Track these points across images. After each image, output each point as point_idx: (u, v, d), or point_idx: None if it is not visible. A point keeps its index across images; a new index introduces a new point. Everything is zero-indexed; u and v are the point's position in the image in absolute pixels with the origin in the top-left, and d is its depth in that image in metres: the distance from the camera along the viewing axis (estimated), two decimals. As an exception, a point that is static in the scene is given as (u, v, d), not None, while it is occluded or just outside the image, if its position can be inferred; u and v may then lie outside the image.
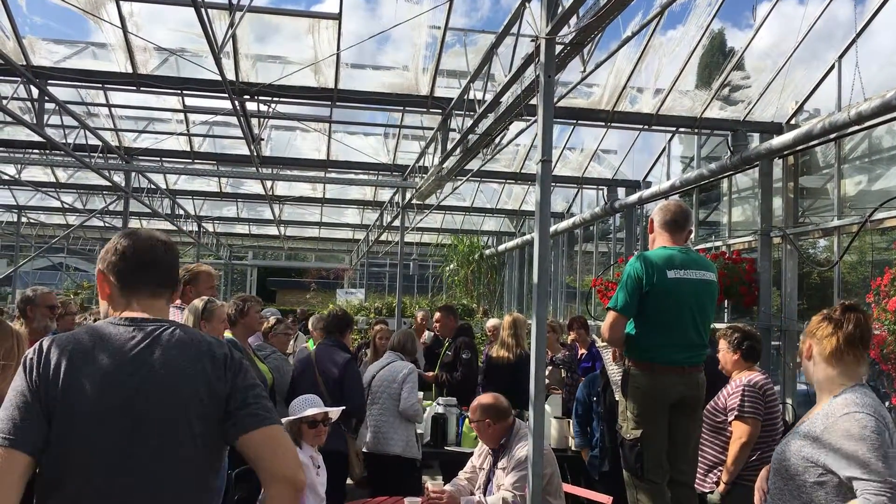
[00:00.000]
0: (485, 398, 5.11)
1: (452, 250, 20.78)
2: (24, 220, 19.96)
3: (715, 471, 5.04)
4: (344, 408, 5.22)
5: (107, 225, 19.90)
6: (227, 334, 5.43)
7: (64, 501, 2.00)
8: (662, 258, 4.52)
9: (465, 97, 7.75)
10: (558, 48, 4.94)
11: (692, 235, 9.88)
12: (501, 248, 19.74)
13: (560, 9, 4.67)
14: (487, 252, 20.35)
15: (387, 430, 6.25)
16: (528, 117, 7.12)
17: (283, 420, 4.58)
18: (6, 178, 14.06)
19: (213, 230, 22.79)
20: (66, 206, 17.66)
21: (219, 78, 7.10)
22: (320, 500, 4.75)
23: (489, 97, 6.79)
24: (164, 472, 2.04)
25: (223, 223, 22.20)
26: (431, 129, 10.25)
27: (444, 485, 5.07)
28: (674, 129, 10.22)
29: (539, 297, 4.60)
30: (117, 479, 2.01)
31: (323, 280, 30.13)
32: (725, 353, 5.13)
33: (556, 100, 7.19)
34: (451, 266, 20.85)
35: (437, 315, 8.69)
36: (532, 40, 5.12)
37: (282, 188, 16.24)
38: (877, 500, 2.44)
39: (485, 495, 4.88)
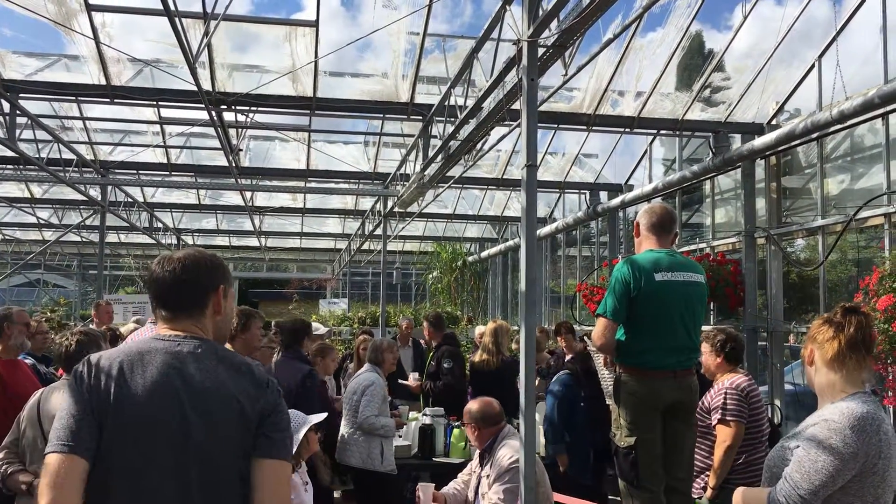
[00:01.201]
0: (473, 404, 5.07)
1: (435, 258, 20.70)
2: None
3: (702, 475, 4.99)
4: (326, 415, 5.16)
5: (84, 240, 19.64)
6: (227, 348, 5.27)
7: None
8: (649, 261, 4.46)
9: (446, 103, 7.67)
10: (540, 51, 4.87)
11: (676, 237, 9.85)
12: (484, 254, 19.68)
13: (541, 11, 4.61)
14: (470, 259, 20.28)
15: (347, 440, 6.17)
16: (510, 122, 7.05)
17: (304, 429, 4.49)
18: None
19: (193, 243, 22.56)
20: (42, 221, 17.39)
21: (195, 88, 6.97)
22: (308, 518, 4.64)
23: (470, 103, 6.71)
24: (210, 479, 2.14)
25: (203, 235, 21.97)
26: (412, 136, 10.17)
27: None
28: (655, 131, 10.19)
29: (528, 305, 4.52)
30: (167, 486, 2.11)
31: (306, 290, 29.90)
32: (708, 356, 5.07)
33: (539, 103, 7.14)
34: (435, 274, 20.76)
35: (424, 325, 8.64)
36: (513, 44, 5.06)
37: (262, 199, 16.07)
38: (778, 499, 2.54)
39: (475, 501, 4.80)
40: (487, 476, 4.81)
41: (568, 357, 7.82)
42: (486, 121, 6.57)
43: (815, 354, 2.77)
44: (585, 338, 7.16)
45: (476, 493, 4.92)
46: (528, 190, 4.55)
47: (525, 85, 4.59)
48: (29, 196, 15.22)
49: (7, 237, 20.63)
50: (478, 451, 5.07)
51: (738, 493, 2.86)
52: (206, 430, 2.14)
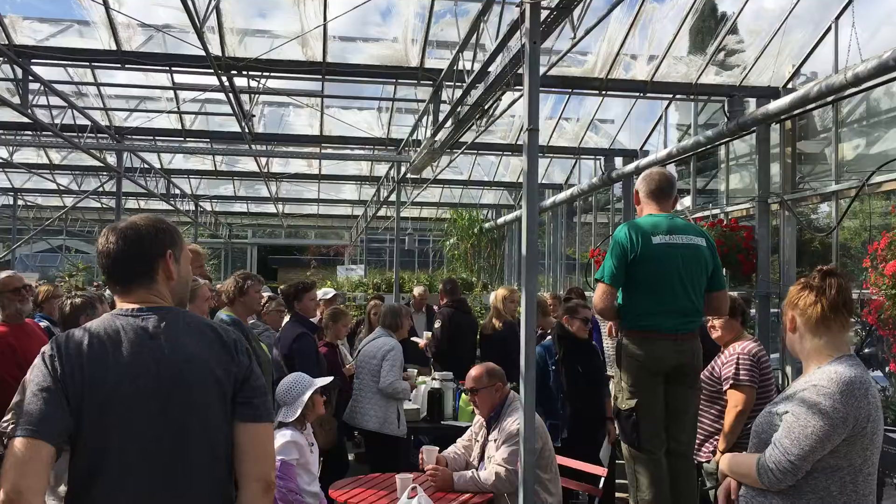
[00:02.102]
0: (474, 370, 5.09)
1: (452, 224, 20.67)
2: (20, 202, 19.85)
3: (711, 440, 5.01)
4: (333, 378, 5.25)
5: (104, 206, 19.82)
6: (226, 312, 5.38)
7: (102, 489, 2.10)
8: (648, 225, 4.46)
9: (455, 68, 7.61)
10: (544, 13, 4.81)
11: (690, 204, 9.78)
12: (501, 221, 19.63)
13: (544, -28, 4.55)
14: (487, 225, 20.24)
15: (363, 404, 6.25)
16: (519, 87, 6.98)
17: (309, 391, 4.64)
18: (-1, 160, 13.97)
19: (212, 209, 22.68)
20: (62, 187, 17.55)
21: (204, 53, 6.98)
22: (313, 478, 4.73)
23: (478, 67, 6.66)
24: (193, 449, 2.16)
25: (221, 202, 22.07)
26: (425, 101, 10.12)
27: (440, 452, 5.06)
28: (669, 96, 10.06)
29: (528, 269, 4.52)
30: (148, 459, 2.12)
31: (323, 257, 30.09)
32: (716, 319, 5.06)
33: (547, 68, 7.08)
34: (452, 241, 20.75)
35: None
36: (517, 6, 5.00)
37: (277, 165, 16.11)
38: (767, 465, 2.54)
39: (479, 466, 4.85)
40: (495, 440, 4.86)
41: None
42: (493, 85, 6.52)
43: (797, 321, 2.75)
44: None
45: (482, 456, 4.98)
46: (529, 154, 4.52)
47: (527, 48, 4.54)
48: (48, 162, 15.36)
49: (29, 203, 20.86)
50: (481, 417, 5.11)
51: (725, 459, 2.88)
52: (181, 402, 2.15)
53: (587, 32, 5.91)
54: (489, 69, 6.46)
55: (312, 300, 6.41)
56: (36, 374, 2.11)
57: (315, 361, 5.80)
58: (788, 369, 8.29)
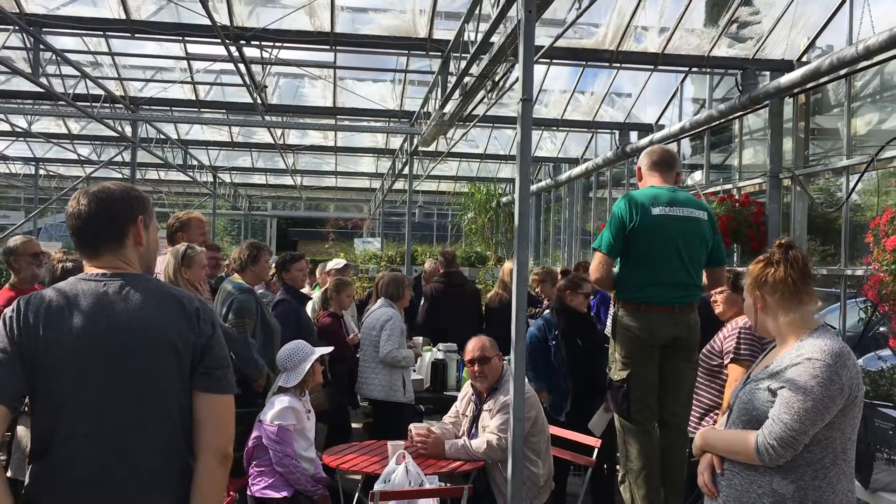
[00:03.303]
0: (474, 341, 5.08)
1: (470, 198, 20.66)
2: (41, 172, 20.08)
3: (711, 415, 4.99)
4: (333, 348, 5.35)
5: (124, 176, 20.00)
6: (237, 279, 5.48)
7: (57, 451, 2.14)
8: (647, 196, 4.45)
9: (461, 39, 7.56)
10: (541, -18, 4.75)
11: (703, 179, 9.68)
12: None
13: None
14: (504, 199, 20.19)
15: (367, 374, 6.32)
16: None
17: (311, 360, 4.75)
18: (18, 129, 14.10)
19: (231, 181, 22.79)
20: (82, 157, 17.72)
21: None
22: (309, 444, 4.81)
23: (480, 38, 6.61)
24: (147, 416, 2.17)
25: (240, 173, 22.17)
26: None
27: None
28: (681, 68, 9.94)
29: (520, 239, 4.51)
30: (102, 425, 2.14)
31: (342, 230, 30.21)
32: (719, 293, 5.02)
33: (553, 39, 7.01)
34: (470, 215, 20.74)
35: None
36: (515, -26, 4.95)
37: (294, 137, 16.14)
38: (768, 442, 2.51)
39: (469, 440, 4.88)
40: (489, 410, 4.89)
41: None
42: (497, 56, 6.47)
43: (766, 299, 2.73)
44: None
45: (471, 429, 5.01)
46: (523, 124, 4.48)
47: (522, 16, 4.50)
48: (67, 132, 15.51)
49: (51, 173, 21.08)
50: (468, 393, 5.13)
51: (704, 436, 2.84)
52: (135, 368, 2.16)
53: (592, 2, 5.85)
54: (491, 40, 6.40)
55: (300, 270, 6.51)
56: None
57: (296, 326, 5.86)
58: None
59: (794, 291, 2.66)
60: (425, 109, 10.65)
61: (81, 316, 2.16)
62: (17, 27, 8.13)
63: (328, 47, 9.19)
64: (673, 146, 11.18)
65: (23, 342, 2.12)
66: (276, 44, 9.06)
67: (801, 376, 2.51)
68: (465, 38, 7.26)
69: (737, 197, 9.14)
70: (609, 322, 4.99)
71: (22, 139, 16.78)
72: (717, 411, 4.87)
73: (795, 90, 8.18)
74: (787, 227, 8.61)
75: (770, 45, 8.83)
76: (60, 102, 10.41)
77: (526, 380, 4.61)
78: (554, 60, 9.96)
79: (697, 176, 11.17)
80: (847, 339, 6.43)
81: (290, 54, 9.90)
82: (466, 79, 7.55)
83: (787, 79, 7.90)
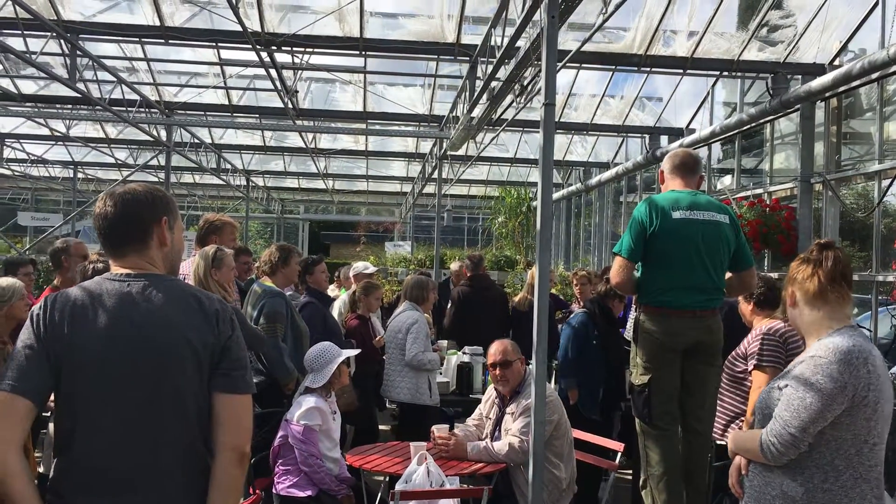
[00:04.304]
0: (497, 345, 5.10)
1: (500, 202, 20.65)
2: (80, 175, 20.47)
3: (737, 422, 4.95)
4: (360, 350, 5.48)
5: (159, 179, 20.33)
6: (267, 282, 5.57)
7: (77, 447, 2.18)
8: (668, 200, 4.43)
9: (489, 44, 7.60)
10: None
11: (733, 184, 9.60)
12: (548, 199, 19.47)
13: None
14: (535, 204, 20.11)
15: (394, 377, 6.36)
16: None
17: (337, 361, 4.76)
18: (57, 133, 14.41)
19: (264, 185, 23.03)
20: (119, 161, 18.05)
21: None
22: (334, 444, 4.85)
23: (506, 42, 6.65)
24: (165, 416, 2.21)
25: (272, 177, 22.40)
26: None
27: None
28: (711, 72, 9.87)
29: (542, 243, 4.53)
30: (121, 423, 2.18)
31: (373, 233, 30.38)
32: (742, 304, 5.00)
33: (581, 43, 7.04)
34: (501, 219, 20.72)
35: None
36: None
37: (326, 142, 16.30)
38: (770, 439, 2.53)
39: (491, 442, 4.91)
40: (512, 413, 4.91)
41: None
42: (523, 61, 6.50)
43: (796, 295, 2.75)
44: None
45: (494, 432, 5.04)
46: (545, 129, 4.52)
47: (545, 21, 4.53)
48: (104, 136, 15.82)
49: (89, 176, 21.47)
50: (492, 395, 5.16)
51: (731, 438, 2.89)
52: (155, 368, 2.20)
53: (617, 7, 5.87)
54: (518, 44, 6.44)
55: (322, 272, 6.59)
56: (23, 333, 2.22)
57: (323, 328, 5.94)
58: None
59: (820, 290, 2.67)
60: (454, 114, 10.71)
61: (105, 315, 2.20)
62: (54, 34, 8.33)
63: (358, 52, 9.28)
64: (703, 150, 11.10)
65: (48, 339, 2.17)
66: (307, 49, 9.17)
67: (803, 374, 2.53)
68: (493, 42, 7.30)
69: (767, 202, 9.06)
70: (630, 326, 4.98)
71: (61, 143, 17.13)
72: (742, 419, 4.83)
73: (827, 94, 8.09)
74: (819, 232, 8.52)
75: (801, 48, 8.74)
76: (97, 107, 10.63)
77: (549, 384, 4.63)
78: (583, 65, 9.95)
79: (728, 180, 11.09)
80: (879, 346, 6.34)
81: (321, 59, 9.99)
82: (493, 83, 7.59)
83: (818, 83, 7.81)
